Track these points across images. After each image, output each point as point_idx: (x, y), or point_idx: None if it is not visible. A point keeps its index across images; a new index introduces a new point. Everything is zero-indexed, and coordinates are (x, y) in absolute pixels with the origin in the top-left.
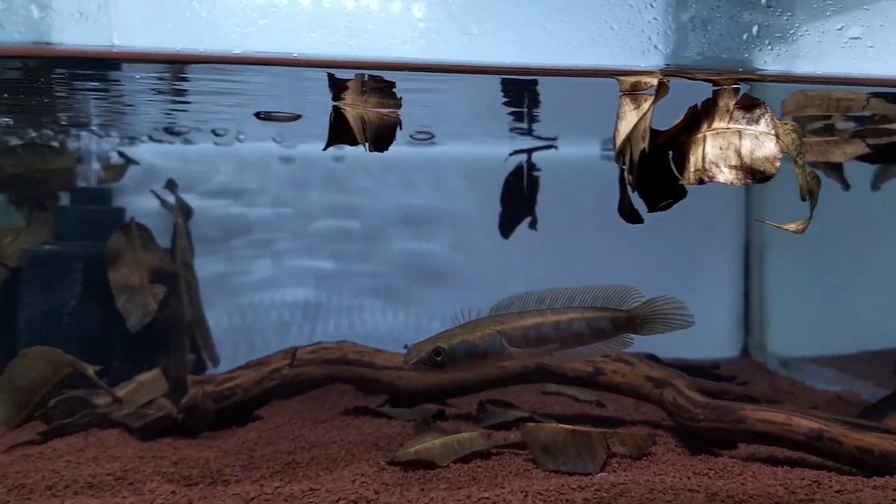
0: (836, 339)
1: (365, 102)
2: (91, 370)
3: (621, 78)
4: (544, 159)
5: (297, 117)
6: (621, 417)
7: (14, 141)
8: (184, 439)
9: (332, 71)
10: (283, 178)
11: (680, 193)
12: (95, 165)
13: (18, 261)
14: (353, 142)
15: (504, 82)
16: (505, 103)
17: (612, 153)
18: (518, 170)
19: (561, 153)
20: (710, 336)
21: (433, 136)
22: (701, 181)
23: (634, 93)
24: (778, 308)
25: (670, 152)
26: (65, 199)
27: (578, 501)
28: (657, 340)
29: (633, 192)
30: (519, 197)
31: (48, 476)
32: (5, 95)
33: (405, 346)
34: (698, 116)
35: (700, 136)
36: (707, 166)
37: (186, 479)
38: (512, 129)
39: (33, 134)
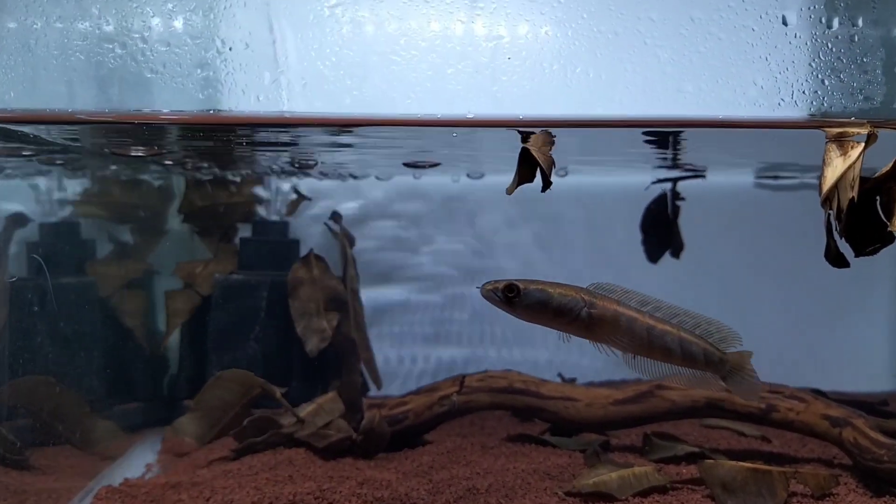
0: None
1: (540, 144)
2: (278, 392)
3: (827, 130)
4: (690, 186)
5: (436, 164)
6: (790, 454)
7: (202, 177)
8: (362, 460)
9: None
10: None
11: (888, 239)
12: (273, 200)
13: (209, 288)
14: (530, 179)
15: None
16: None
17: (766, 181)
18: (661, 198)
19: (709, 181)
20: (866, 367)
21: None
22: None
23: (841, 139)
24: None
25: (878, 198)
26: (245, 230)
27: None
28: (807, 371)
29: (840, 238)
30: (660, 225)
31: (252, 493)
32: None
33: (559, 375)
34: None
35: None
36: None
37: (379, 500)
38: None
39: (218, 170)
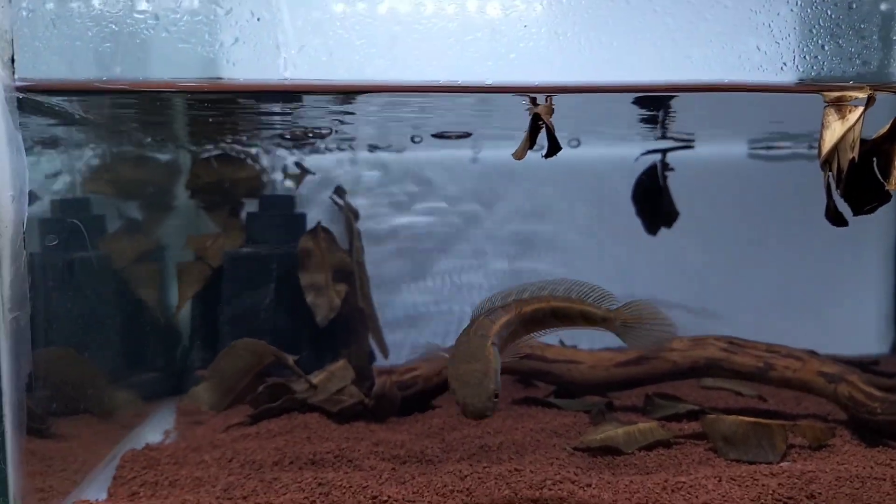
0: None
1: (545, 113)
2: (291, 360)
3: (825, 93)
4: (683, 159)
5: (467, 135)
6: (786, 412)
7: (207, 153)
8: (374, 424)
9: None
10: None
11: (884, 197)
12: (279, 175)
13: (220, 261)
14: (532, 146)
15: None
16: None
17: (759, 152)
18: (651, 169)
19: (702, 152)
20: (858, 332)
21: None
22: None
23: (839, 103)
24: None
25: (874, 159)
26: (252, 205)
27: (773, 486)
28: (803, 337)
29: (839, 198)
30: (652, 196)
31: (273, 453)
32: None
33: (560, 342)
34: None
35: None
36: None
37: (396, 458)
38: (641, 134)
39: (224, 146)
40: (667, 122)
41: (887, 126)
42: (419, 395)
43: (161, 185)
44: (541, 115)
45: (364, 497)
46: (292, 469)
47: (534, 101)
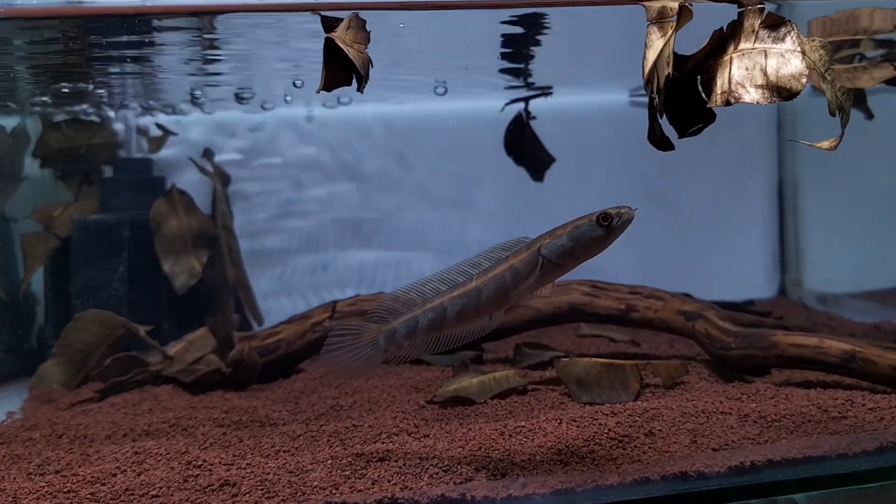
0: (874, 273)
1: (351, 40)
2: (142, 330)
3: (647, 4)
4: (564, 107)
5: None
6: (657, 354)
7: (59, 117)
8: (233, 392)
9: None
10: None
11: (709, 117)
12: (136, 138)
13: (69, 231)
14: (347, 81)
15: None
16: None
17: (640, 99)
18: (517, 118)
19: (584, 100)
20: (745, 276)
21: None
22: (728, 103)
23: (661, 20)
24: (814, 244)
25: (699, 77)
26: (109, 171)
27: (611, 425)
28: (691, 282)
29: (661, 118)
30: (523, 144)
31: (107, 427)
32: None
33: None
34: (724, 39)
35: (726, 58)
36: (733, 87)
37: (237, 423)
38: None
39: (77, 109)
40: (527, 61)
41: (707, 41)
42: (283, 360)
43: (7, 154)
44: (335, 40)
45: (179, 463)
46: (124, 441)
47: (329, 24)
